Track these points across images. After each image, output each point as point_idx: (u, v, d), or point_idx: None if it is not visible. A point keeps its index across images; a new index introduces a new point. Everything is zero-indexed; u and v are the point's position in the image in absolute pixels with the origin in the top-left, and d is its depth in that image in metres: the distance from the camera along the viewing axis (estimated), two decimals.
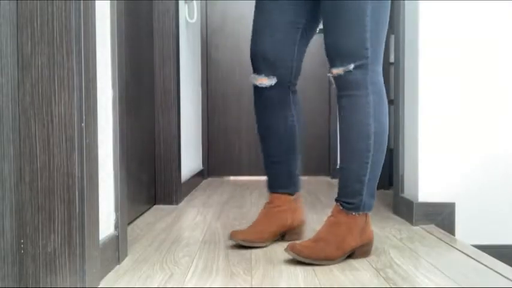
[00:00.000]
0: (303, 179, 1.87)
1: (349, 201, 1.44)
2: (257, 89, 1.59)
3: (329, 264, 1.38)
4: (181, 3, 2.60)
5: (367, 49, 1.41)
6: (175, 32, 2.35)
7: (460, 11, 1.90)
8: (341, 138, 1.48)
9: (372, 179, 1.45)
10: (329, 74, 1.47)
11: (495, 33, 1.91)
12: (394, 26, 2.22)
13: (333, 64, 1.45)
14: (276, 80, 1.56)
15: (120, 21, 1.39)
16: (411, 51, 2.01)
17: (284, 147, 1.62)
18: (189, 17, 2.80)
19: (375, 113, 1.43)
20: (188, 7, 2.80)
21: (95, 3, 1.18)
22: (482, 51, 1.91)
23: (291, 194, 1.64)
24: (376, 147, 1.43)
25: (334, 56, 1.44)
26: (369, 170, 1.43)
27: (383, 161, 1.48)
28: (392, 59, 2.90)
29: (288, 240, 1.61)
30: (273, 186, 1.65)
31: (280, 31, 1.54)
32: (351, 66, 1.41)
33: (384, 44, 1.47)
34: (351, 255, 1.44)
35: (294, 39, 1.56)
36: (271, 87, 1.57)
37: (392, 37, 2.90)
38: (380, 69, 1.46)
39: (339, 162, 1.55)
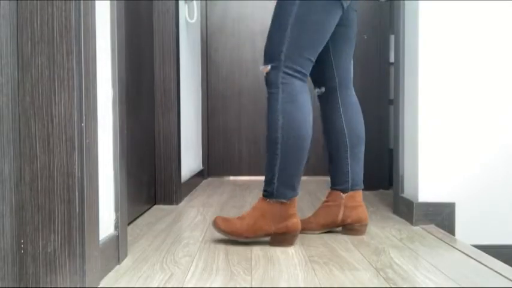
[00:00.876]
0: (303, 179, 1.88)
1: (265, 188, 1.60)
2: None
3: (237, 240, 1.59)
4: (181, 3, 2.60)
5: (281, 52, 1.56)
6: (175, 32, 2.35)
7: (460, 10, 1.90)
8: None
9: (284, 169, 1.56)
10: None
11: (495, 33, 1.91)
12: (394, 26, 2.22)
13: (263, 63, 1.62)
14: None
15: (120, 21, 1.39)
16: (411, 51, 2.01)
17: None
18: (189, 17, 2.80)
19: (284, 109, 1.55)
20: (188, 7, 2.80)
21: (95, 3, 1.18)
22: (483, 51, 1.91)
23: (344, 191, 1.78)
24: (284, 139, 1.55)
25: (263, 55, 1.62)
26: (279, 161, 1.56)
27: (297, 154, 1.57)
28: (392, 59, 2.91)
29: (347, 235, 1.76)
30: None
31: None
32: (268, 67, 1.59)
33: (309, 44, 1.57)
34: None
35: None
36: None
37: (392, 37, 2.90)
38: (297, 68, 1.58)
39: None
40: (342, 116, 1.77)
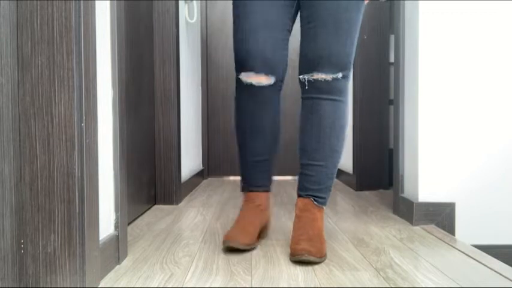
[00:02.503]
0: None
1: (322, 195, 1.55)
2: (249, 87, 1.57)
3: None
4: (181, 3, 2.60)
5: (350, 62, 1.54)
6: (175, 32, 2.35)
7: (460, 10, 1.90)
8: (317, 138, 1.55)
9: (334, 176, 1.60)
10: (308, 77, 1.53)
11: (495, 33, 1.91)
12: (394, 26, 2.22)
13: (319, 69, 1.51)
14: (274, 79, 1.56)
15: (120, 21, 1.39)
16: (411, 51, 2.01)
17: (270, 146, 1.63)
18: (189, 17, 2.80)
19: (347, 116, 1.59)
20: (188, 7, 2.80)
21: (95, 3, 1.18)
22: (483, 51, 1.91)
23: (268, 191, 1.67)
24: (343, 146, 1.58)
25: (324, 61, 1.51)
26: (337, 167, 1.59)
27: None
28: (392, 59, 2.91)
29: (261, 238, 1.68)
30: (254, 185, 1.64)
31: (278, 31, 1.54)
32: (340, 74, 1.52)
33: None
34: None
35: (287, 40, 1.58)
36: (267, 85, 1.56)
37: (392, 37, 2.90)
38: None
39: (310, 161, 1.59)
40: None
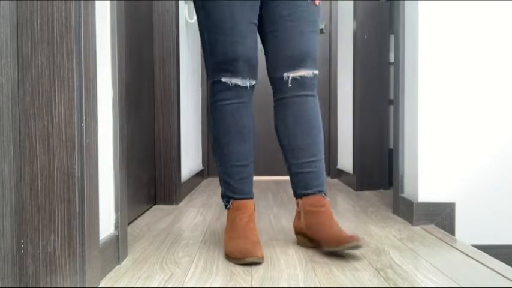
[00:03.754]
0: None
1: (325, 187, 1.59)
2: (234, 87, 1.54)
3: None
4: (181, 3, 2.60)
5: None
6: (175, 32, 2.35)
7: (460, 10, 1.90)
8: (310, 134, 1.58)
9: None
10: (293, 75, 1.55)
11: (496, 33, 1.91)
12: (394, 26, 2.22)
13: (304, 66, 1.55)
14: (255, 81, 1.57)
15: (120, 21, 1.39)
16: (411, 51, 2.01)
17: (250, 148, 1.60)
18: (189, 17, 2.80)
19: None
20: (188, 7, 2.80)
21: (95, 3, 1.18)
22: (483, 51, 1.91)
23: (252, 199, 1.60)
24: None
25: (309, 57, 1.55)
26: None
27: None
28: (392, 59, 2.91)
29: None
30: (243, 192, 1.57)
31: (253, 33, 1.54)
32: (316, 70, 1.58)
33: None
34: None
35: (257, 41, 1.59)
36: (251, 86, 1.57)
37: (392, 37, 2.91)
38: None
39: (306, 158, 1.60)
40: None
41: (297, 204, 1.61)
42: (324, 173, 1.60)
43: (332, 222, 1.50)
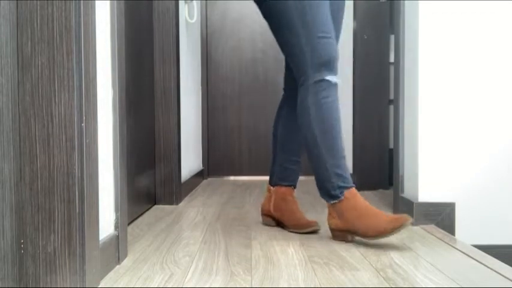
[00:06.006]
0: (303, 179, 1.91)
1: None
2: (334, 85, 1.67)
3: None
4: (181, 3, 2.60)
5: None
6: (175, 32, 2.35)
7: (460, 10, 1.90)
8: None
9: None
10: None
11: (496, 33, 1.91)
12: (394, 26, 2.22)
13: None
14: None
15: (120, 21, 1.39)
16: (411, 51, 2.01)
17: None
18: (189, 17, 2.80)
19: None
20: (188, 7, 2.80)
21: (94, 3, 1.18)
22: (483, 51, 1.91)
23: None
24: None
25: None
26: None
27: None
28: (392, 59, 2.91)
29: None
30: (351, 181, 1.72)
31: None
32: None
33: None
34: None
35: None
36: None
37: (392, 37, 2.90)
38: None
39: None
40: None
41: (269, 190, 1.94)
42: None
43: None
